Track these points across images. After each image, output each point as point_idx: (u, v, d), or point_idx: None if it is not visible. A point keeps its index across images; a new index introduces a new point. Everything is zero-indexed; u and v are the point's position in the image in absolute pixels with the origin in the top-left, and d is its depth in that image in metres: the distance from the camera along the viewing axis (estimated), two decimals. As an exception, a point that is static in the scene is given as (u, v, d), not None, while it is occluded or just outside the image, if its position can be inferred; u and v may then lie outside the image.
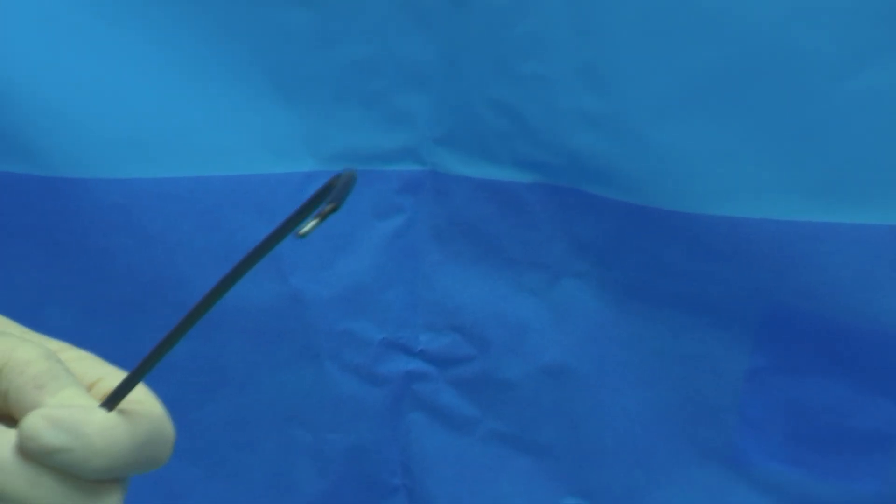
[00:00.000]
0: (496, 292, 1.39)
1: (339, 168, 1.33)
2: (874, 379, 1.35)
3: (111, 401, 0.68)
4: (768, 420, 1.39)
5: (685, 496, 1.44)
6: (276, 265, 1.33)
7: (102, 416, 0.67)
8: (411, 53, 1.29)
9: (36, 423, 0.65)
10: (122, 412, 0.68)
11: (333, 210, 0.61)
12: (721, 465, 1.42)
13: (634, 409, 1.42)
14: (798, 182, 1.26)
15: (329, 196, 0.62)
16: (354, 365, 1.40)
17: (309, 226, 0.63)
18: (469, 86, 1.30)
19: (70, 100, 1.26)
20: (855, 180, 1.26)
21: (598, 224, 1.33)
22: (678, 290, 1.35)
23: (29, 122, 1.25)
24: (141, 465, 0.70)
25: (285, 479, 1.44)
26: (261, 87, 1.29)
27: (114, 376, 0.72)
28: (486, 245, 1.37)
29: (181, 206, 1.30)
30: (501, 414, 1.43)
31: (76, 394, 0.69)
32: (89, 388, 0.71)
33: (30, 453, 0.65)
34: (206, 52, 1.27)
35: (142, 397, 0.70)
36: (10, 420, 0.70)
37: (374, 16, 1.27)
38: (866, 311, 1.31)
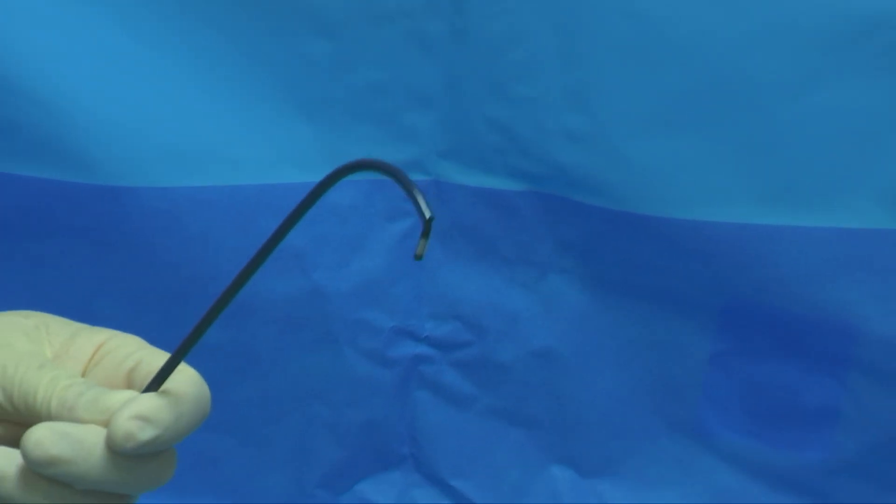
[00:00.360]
0: (492, 286, 1.41)
1: (356, 176, 1.38)
2: (820, 361, 1.37)
3: (155, 382, 0.69)
4: (728, 397, 1.42)
5: (656, 463, 1.47)
6: (300, 263, 1.36)
7: (101, 431, 0.67)
8: (417, 78, 1.31)
9: (42, 433, 0.65)
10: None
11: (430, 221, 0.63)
12: (687, 437, 1.44)
13: (612, 387, 1.44)
14: (753, 190, 1.29)
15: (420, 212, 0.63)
16: (368, 349, 1.43)
17: (422, 246, 0.64)
18: (468, 106, 1.32)
19: (122, 119, 1.27)
20: (802, 188, 1.29)
21: (580, 226, 1.35)
22: (650, 284, 1.37)
23: (86, 138, 1.26)
24: (140, 484, 0.70)
25: (307, 448, 1.47)
26: (287, 108, 1.31)
27: (156, 356, 0.73)
28: (483, 245, 1.39)
29: (217, 210, 1.32)
30: (496, 392, 1.46)
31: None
32: (132, 370, 0.72)
33: (33, 461, 0.65)
34: (240, 76, 1.29)
35: (184, 388, 0.71)
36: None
37: (384, 45, 1.29)
38: (813, 302, 1.33)
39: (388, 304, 1.43)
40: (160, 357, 0.73)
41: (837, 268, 1.32)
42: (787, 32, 1.23)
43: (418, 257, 0.64)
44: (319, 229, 1.37)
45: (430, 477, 1.50)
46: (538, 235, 1.38)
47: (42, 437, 0.65)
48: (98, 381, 0.73)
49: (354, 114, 1.32)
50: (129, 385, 0.73)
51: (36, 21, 1.23)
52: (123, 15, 1.25)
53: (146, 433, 0.66)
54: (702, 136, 1.28)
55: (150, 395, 0.68)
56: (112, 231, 1.32)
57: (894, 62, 1.23)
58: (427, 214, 0.63)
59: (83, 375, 0.74)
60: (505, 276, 1.41)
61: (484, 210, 1.37)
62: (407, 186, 0.65)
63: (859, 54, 1.23)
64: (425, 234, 0.63)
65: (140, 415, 0.66)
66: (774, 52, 1.24)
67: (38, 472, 0.66)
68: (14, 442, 0.70)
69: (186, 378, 0.72)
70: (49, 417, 0.67)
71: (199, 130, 1.30)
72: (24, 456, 0.65)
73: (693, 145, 1.28)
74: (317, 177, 1.28)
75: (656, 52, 1.25)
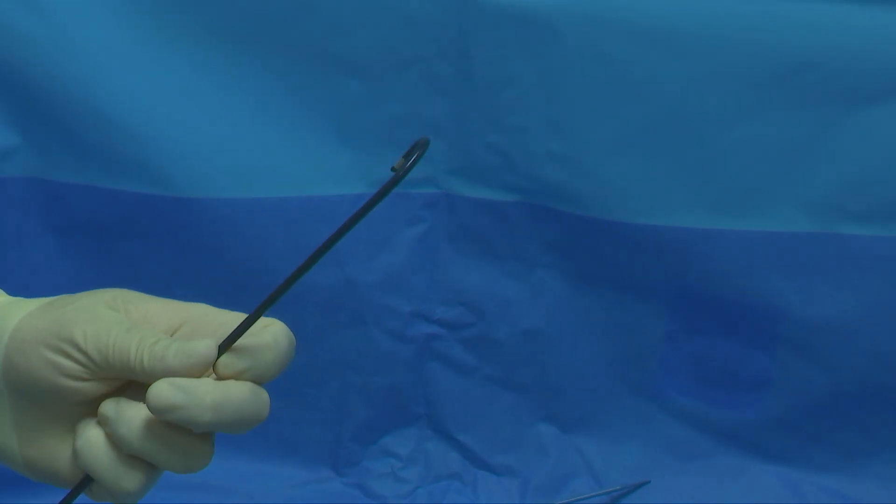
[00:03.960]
0: (490, 277, 1.48)
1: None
2: (753, 338, 1.46)
3: (228, 342, 0.68)
4: (680, 367, 1.50)
5: (622, 420, 1.53)
6: (336, 258, 1.42)
7: (210, 382, 0.66)
8: (430, 111, 1.38)
9: (161, 385, 0.64)
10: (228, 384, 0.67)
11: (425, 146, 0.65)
12: (646, 399, 1.52)
13: (587, 359, 1.52)
14: (698, 200, 1.38)
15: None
16: (390, 328, 1.50)
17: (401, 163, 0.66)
18: (471, 134, 1.39)
19: (193, 142, 1.35)
20: (738, 199, 1.38)
21: (561, 230, 1.43)
22: (617, 275, 1.45)
23: (164, 158, 1.35)
24: (244, 423, 0.69)
25: (342, 408, 1.53)
26: (326, 134, 1.38)
27: (233, 319, 0.70)
28: (483, 244, 1.46)
29: (270, 217, 1.39)
30: (493, 363, 1.53)
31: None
32: (213, 334, 0.70)
33: (156, 409, 0.65)
34: (289, 109, 1.36)
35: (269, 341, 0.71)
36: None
37: (404, 85, 1.36)
38: (747, 290, 1.43)
39: (407, 292, 1.49)
40: (236, 319, 0.70)
41: (767, 263, 1.41)
42: (725, 74, 1.33)
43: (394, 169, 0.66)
44: (352, 231, 1.31)
45: (440, 432, 1.56)
46: (527, 237, 1.45)
47: (162, 389, 0.65)
48: None
49: (381, 140, 1.39)
50: None
51: (125, 63, 1.32)
52: (196, 59, 1.33)
53: (174, 397, 0.66)
54: (657, 157, 1.37)
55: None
56: (185, 234, 1.40)
57: (812, 98, 1.33)
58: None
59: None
60: (501, 270, 1.48)
61: (484, 217, 1.44)
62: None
63: (784, 92, 1.33)
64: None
65: (177, 382, 0.66)
66: (715, 91, 1.34)
67: (160, 419, 0.66)
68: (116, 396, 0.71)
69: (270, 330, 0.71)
70: (143, 371, 0.66)
71: (255, 152, 1.39)
72: (149, 405, 0.65)
73: (650, 165, 1.37)
74: (350, 189, 1.39)
75: (620, 91, 1.34)
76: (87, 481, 0.70)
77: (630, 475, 1.53)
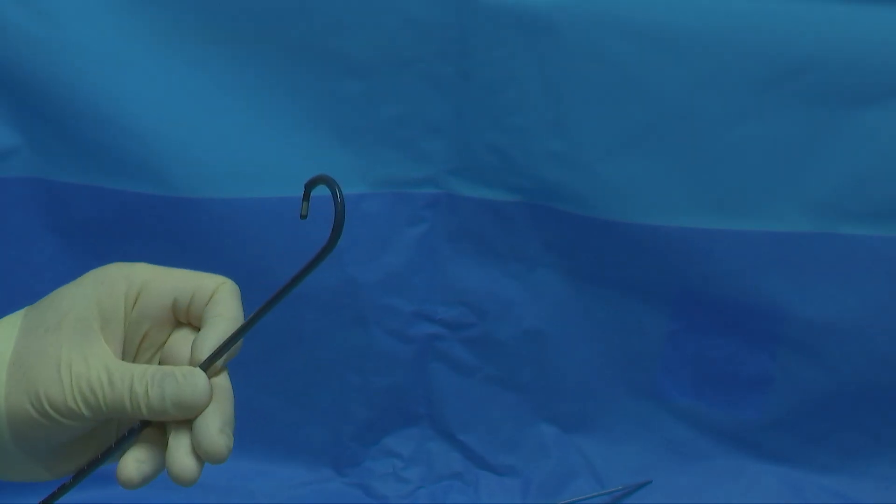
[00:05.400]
0: (491, 277, 1.48)
1: (382, 189, 1.39)
2: (754, 338, 1.46)
3: (214, 357, 0.70)
4: (681, 367, 1.50)
5: (623, 420, 1.53)
6: (338, 259, 1.41)
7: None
8: (431, 112, 1.37)
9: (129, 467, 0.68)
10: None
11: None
12: (648, 399, 1.52)
13: (588, 359, 1.51)
14: (699, 201, 1.38)
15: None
16: (392, 328, 1.49)
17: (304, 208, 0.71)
18: (471, 134, 1.38)
19: (194, 143, 1.35)
20: (738, 200, 1.38)
21: (562, 230, 1.42)
22: (617, 275, 1.45)
23: (165, 158, 1.34)
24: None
25: (342, 408, 1.53)
26: (326, 135, 1.37)
27: (181, 280, 0.72)
28: (484, 245, 1.46)
29: (270, 217, 1.38)
30: (495, 363, 1.53)
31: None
32: (172, 307, 0.71)
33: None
34: (290, 110, 1.35)
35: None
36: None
37: (404, 85, 1.36)
38: (748, 290, 1.42)
39: (408, 292, 1.48)
40: (183, 279, 0.72)
41: (767, 263, 1.41)
42: (726, 74, 1.32)
43: (303, 217, 0.71)
44: (353, 232, 1.39)
45: (441, 432, 1.55)
46: (528, 237, 1.45)
47: (130, 472, 0.68)
48: (144, 321, 0.72)
49: (381, 140, 1.38)
50: (176, 315, 0.73)
51: (126, 64, 1.31)
52: (197, 59, 1.32)
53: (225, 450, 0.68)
54: (658, 157, 1.37)
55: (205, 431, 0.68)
56: (185, 234, 1.39)
57: (813, 98, 1.33)
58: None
59: (126, 324, 0.72)
60: (502, 270, 1.47)
61: (485, 217, 1.44)
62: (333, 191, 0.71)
63: (785, 92, 1.32)
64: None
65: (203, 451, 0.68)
66: (716, 91, 1.33)
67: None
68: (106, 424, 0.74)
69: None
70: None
71: (255, 153, 1.38)
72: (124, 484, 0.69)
73: (650, 165, 1.37)
74: (351, 189, 1.38)
75: (621, 91, 1.34)
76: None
77: (631, 475, 1.52)
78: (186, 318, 0.73)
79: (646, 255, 1.42)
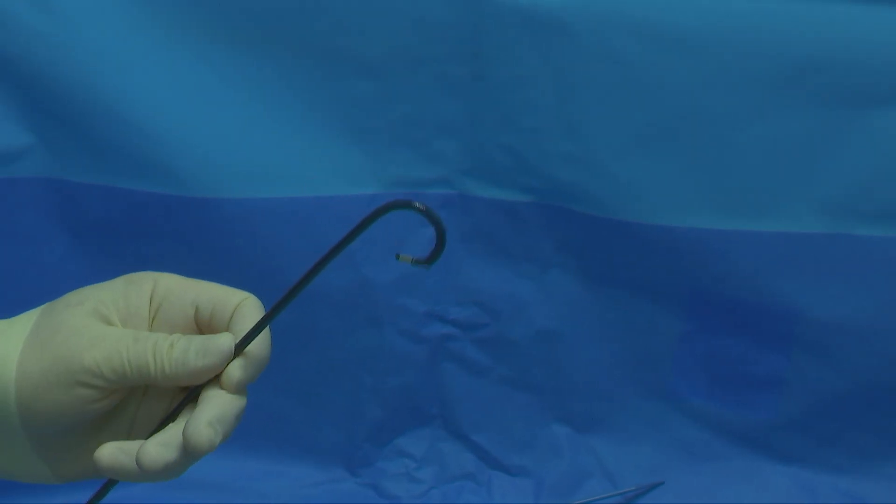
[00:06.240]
0: (504, 278, 1.48)
1: (395, 189, 1.39)
2: (768, 339, 1.45)
3: (242, 345, 0.71)
4: (694, 368, 1.49)
5: (636, 420, 1.53)
6: (352, 259, 1.42)
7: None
8: (444, 112, 1.37)
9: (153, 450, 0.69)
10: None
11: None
12: (660, 400, 1.52)
13: (601, 360, 1.51)
14: (712, 201, 1.37)
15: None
16: (405, 329, 1.49)
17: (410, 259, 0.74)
18: (485, 135, 1.38)
19: (208, 143, 1.35)
20: (751, 200, 1.37)
21: (575, 230, 1.42)
22: (631, 276, 1.44)
23: (179, 158, 1.34)
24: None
25: (355, 409, 1.53)
26: (340, 135, 1.37)
27: (201, 290, 0.73)
28: (497, 245, 1.46)
29: (283, 217, 1.38)
30: (507, 363, 1.53)
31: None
32: (195, 316, 0.72)
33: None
34: (303, 110, 1.35)
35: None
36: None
37: (418, 86, 1.35)
38: (762, 291, 1.42)
39: (421, 292, 1.49)
40: (207, 289, 0.73)
41: (781, 264, 1.40)
42: (738, 74, 1.31)
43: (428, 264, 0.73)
44: (367, 232, 1.32)
45: (454, 433, 1.55)
46: (541, 238, 1.44)
47: (150, 452, 0.69)
48: (167, 329, 0.72)
49: (394, 140, 1.38)
50: (198, 325, 0.73)
51: (139, 64, 1.31)
52: (209, 59, 1.32)
53: (218, 435, 0.69)
54: (671, 158, 1.36)
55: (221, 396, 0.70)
56: (198, 234, 1.39)
57: (825, 98, 1.32)
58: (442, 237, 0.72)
59: (150, 326, 0.72)
60: (515, 271, 1.47)
61: (498, 217, 1.44)
62: (432, 219, 0.72)
63: (794, 93, 1.32)
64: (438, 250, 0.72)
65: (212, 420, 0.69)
66: (727, 92, 1.33)
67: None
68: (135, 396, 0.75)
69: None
70: (165, 378, 0.69)
71: (269, 153, 1.38)
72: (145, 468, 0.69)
73: (664, 165, 1.36)
74: (364, 190, 1.39)
75: (634, 92, 1.33)
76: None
77: (644, 476, 1.52)
78: (209, 329, 0.73)
79: (658, 256, 1.41)
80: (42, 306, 0.73)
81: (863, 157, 1.34)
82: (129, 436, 0.74)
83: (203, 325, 0.73)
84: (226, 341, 0.70)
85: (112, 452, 0.69)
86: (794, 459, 1.52)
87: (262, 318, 0.71)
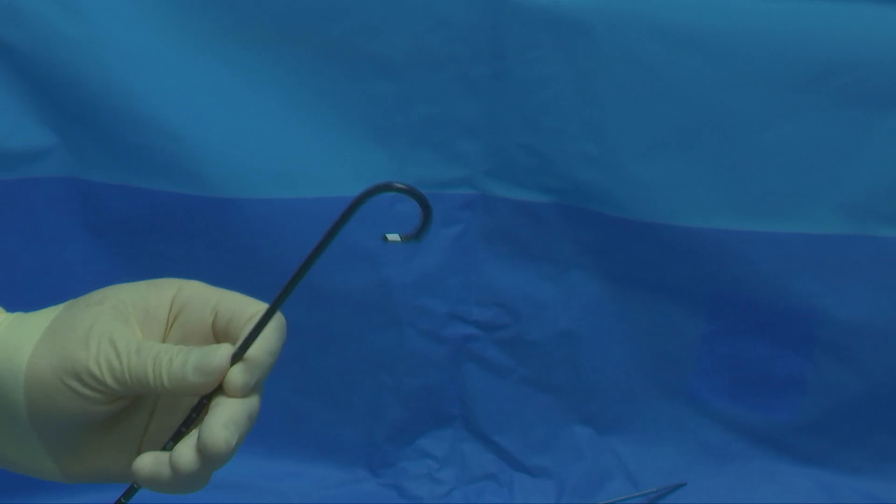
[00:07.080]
0: (525, 279, 1.48)
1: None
2: (789, 340, 1.45)
3: (240, 352, 0.70)
4: (715, 369, 1.49)
5: (657, 422, 1.53)
6: (372, 260, 1.42)
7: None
8: (465, 112, 1.37)
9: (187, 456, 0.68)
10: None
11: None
12: (681, 402, 1.52)
13: (621, 361, 1.51)
14: (733, 202, 1.37)
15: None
16: (426, 329, 1.49)
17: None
18: (506, 135, 1.38)
19: (230, 143, 1.35)
20: (772, 202, 1.37)
21: (595, 231, 1.42)
22: (652, 277, 1.45)
23: (202, 159, 1.35)
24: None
25: (376, 409, 1.53)
26: (361, 136, 1.38)
27: (224, 298, 0.71)
28: (519, 246, 1.46)
29: (305, 217, 1.39)
30: (528, 364, 1.53)
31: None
32: (213, 323, 0.71)
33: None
34: (325, 111, 1.36)
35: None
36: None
37: (438, 86, 1.36)
38: (782, 292, 1.42)
39: (442, 293, 1.49)
40: (227, 298, 0.72)
41: (801, 265, 1.40)
42: (758, 77, 1.32)
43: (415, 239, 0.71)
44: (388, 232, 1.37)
45: (475, 433, 1.55)
46: (562, 238, 1.45)
47: (185, 458, 0.68)
48: (185, 334, 0.72)
49: (415, 141, 1.39)
50: (215, 333, 0.72)
51: (161, 64, 1.32)
52: (231, 59, 1.33)
53: (235, 436, 0.68)
54: (691, 158, 1.36)
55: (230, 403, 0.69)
56: (219, 234, 1.40)
57: (846, 100, 1.32)
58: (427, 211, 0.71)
59: (167, 330, 0.72)
60: (536, 271, 1.47)
61: (519, 218, 1.44)
62: (416, 197, 0.71)
63: (815, 94, 1.32)
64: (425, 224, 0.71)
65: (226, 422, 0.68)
66: (748, 93, 1.33)
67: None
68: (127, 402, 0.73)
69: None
70: (164, 391, 0.68)
71: (291, 154, 1.38)
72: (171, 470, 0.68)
73: (684, 166, 1.36)
74: (385, 192, 1.37)
75: (655, 93, 1.34)
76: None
77: (666, 477, 1.52)
78: (224, 336, 0.72)
79: (680, 257, 1.41)
80: (66, 303, 0.73)
81: (884, 159, 1.34)
82: (140, 443, 0.73)
83: (219, 333, 0.72)
84: (221, 355, 0.69)
85: (152, 462, 0.68)
86: (815, 461, 1.52)
87: (257, 324, 0.69)
